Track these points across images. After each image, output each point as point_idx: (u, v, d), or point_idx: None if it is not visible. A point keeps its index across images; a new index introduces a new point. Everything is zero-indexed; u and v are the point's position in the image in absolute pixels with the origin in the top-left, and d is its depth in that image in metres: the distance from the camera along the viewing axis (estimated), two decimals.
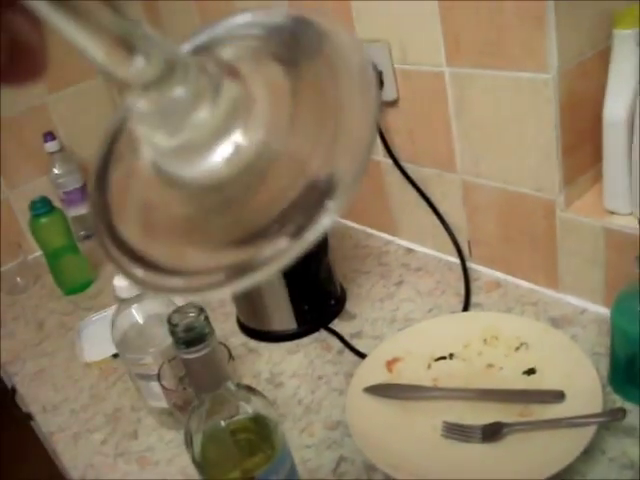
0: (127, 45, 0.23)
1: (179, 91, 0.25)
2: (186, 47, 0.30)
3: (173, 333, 0.53)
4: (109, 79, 0.24)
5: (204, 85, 0.25)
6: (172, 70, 0.24)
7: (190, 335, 0.52)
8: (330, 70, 0.26)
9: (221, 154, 0.25)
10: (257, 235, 0.24)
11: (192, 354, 0.52)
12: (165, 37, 0.25)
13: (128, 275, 0.27)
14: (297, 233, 0.24)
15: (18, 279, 1.36)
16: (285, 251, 0.24)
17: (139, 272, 0.26)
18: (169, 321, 0.53)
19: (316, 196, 0.24)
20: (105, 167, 0.30)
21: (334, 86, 0.26)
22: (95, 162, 0.31)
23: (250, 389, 0.60)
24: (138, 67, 0.23)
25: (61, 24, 0.21)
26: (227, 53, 0.29)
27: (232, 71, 0.27)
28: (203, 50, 0.30)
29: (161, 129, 0.26)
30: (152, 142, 0.26)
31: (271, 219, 0.24)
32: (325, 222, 0.23)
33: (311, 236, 0.23)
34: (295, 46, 0.28)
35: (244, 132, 0.25)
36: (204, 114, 0.25)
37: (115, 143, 0.31)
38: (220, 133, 0.25)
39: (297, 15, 0.29)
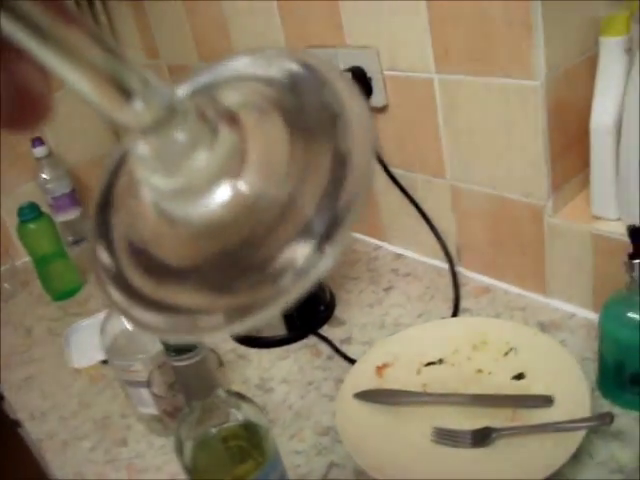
0: (125, 89, 0.23)
1: (178, 136, 0.25)
2: (187, 87, 0.30)
3: (163, 340, 0.53)
4: (109, 122, 0.24)
5: (202, 130, 0.26)
6: (171, 114, 0.25)
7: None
8: (329, 117, 0.27)
9: (218, 198, 0.26)
10: (256, 277, 0.25)
11: (182, 361, 0.52)
12: (167, 83, 0.25)
13: (133, 320, 0.27)
14: (296, 275, 0.24)
15: (6, 285, 1.35)
16: (284, 293, 0.24)
17: (143, 315, 0.27)
18: None
19: (313, 240, 0.24)
20: (106, 206, 0.31)
21: (332, 133, 0.26)
22: (95, 200, 0.32)
23: (240, 396, 0.60)
24: (137, 111, 0.24)
25: (57, 67, 0.22)
26: (228, 98, 0.29)
27: (230, 117, 0.27)
28: (204, 92, 0.30)
29: (159, 172, 0.26)
30: (151, 184, 0.27)
31: (269, 261, 0.25)
32: (323, 265, 0.24)
33: (309, 280, 0.24)
34: (296, 92, 0.28)
35: (240, 178, 0.26)
36: (201, 159, 0.25)
37: (114, 184, 0.31)
38: (217, 178, 0.26)
39: (299, 59, 0.29)
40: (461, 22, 0.82)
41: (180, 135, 0.25)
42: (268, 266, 0.25)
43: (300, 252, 0.24)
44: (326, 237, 0.24)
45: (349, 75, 0.98)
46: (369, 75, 0.98)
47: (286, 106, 0.28)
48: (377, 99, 1.00)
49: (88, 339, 1.10)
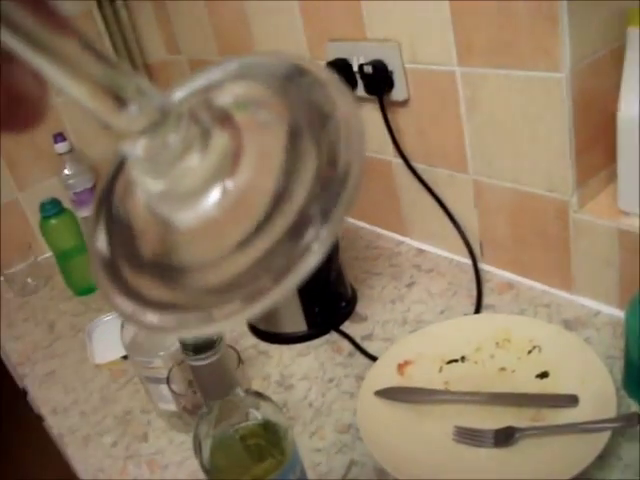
0: (119, 95, 0.24)
1: (170, 139, 0.26)
2: (183, 90, 0.31)
3: (181, 339, 0.52)
4: (104, 125, 0.25)
5: (194, 134, 0.27)
6: (164, 119, 0.26)
7: (199, 342, 0.52)
8: (320, 115, 0.28)
9: (210, 199, 0.27)
10: (258, 266, 0.26)
11: (200, 361, 0.52)
12: (160, 89, 0.26)
13: (142, 325, 0.28)
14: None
15: (29, 280, 1.36)
16: (289, 276, 0.25)
17: (152, 317, 0.27)
18: None
19: (309, 226, 0.25)
20: (107, 199, 0.32)
21: (323, 129, 0.27)
22: (95, 200, 0.32)
23: (259, 395, 0.59)
24: (131, 116, 0.25)
25: (52, 75, 0.22)
26: (222, 98, 0.30)
27: (224, 118, 0.28)
28: (199, 94, 0.31)
29: (150, 174, 0.27)
30: (143, 185, 0.28)
31: (269, 250, 0.26)
32: (319, 249, 0.25)
33: (309, 262, 0.25)
34: (289, 91, 0.29)
35: (233, 176, 0.27)
36: (192, 163, 0.26)
37: (117, 178, 0.32)
38: (208, 180, 0.27)
39: (292, 62, 0.30)
40: (484, 13, 0.80)
41: (172, 138, 0.26)
42: (269, 254, 0.25)
43: (298, 238, 0.25)
44: (320, 223, 0.25)
45: (366, 73, 0.97)
46: (390, 69, 0.97)
47: (279, 104, 0.29)
48: (398, 93, 0.99)
49: (110, 334, 1.10)
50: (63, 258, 1.28)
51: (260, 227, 0.26)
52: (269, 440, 0.59)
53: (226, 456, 0.58)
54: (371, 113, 1.05)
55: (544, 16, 0.74)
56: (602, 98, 0.80)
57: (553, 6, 0.72)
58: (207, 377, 0.53)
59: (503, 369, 0.82)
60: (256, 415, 0.58)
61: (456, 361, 0.85)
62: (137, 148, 0.26)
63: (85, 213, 1.46)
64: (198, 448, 0.57)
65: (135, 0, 1.52)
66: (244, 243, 0.26)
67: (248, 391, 0.58)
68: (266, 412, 0.58)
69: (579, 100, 0.78)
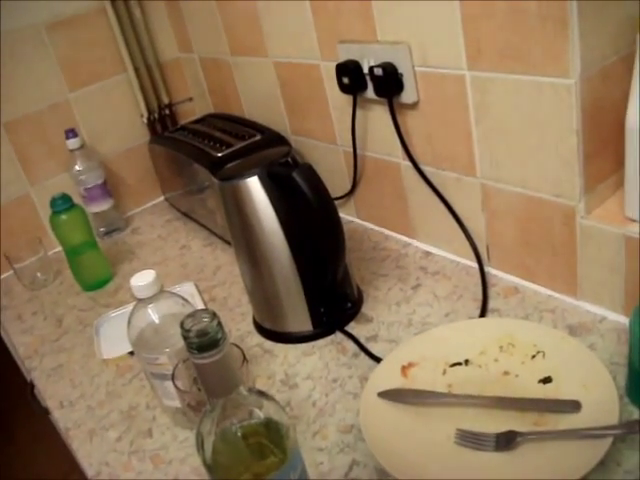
0: None
1: None
2: None
3: (186, 338, 0.53)
4: None
5: None
6: None
7: (203, 340, 0.52)
8: None
9: None
10: None
11: (204, 359, 0.52)
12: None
13: None
14: None
15: (38, 274, 1.37)
16: None
17: None
18: (182, 326, 0.53)
19: None
20: None
21: None
22: None
23: (262, 394, 0.60)
24: None
25: None
26: None
27: None
28: None
29: None
30: None
31: None
32: None
33: None
34: None
35: None
36: None
37: None
38: None
39: None
40: (494, 18, 0.80)
41: None
42: None
43: None
44: None
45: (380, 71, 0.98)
46: (400, 71, 0.97)
47: None
48: (408, 95, 0.99)
49: (117, 330, 1.11)
50: (72, 253, 1.29)
51: None
52: (271, 439, 0.59)
53: (228, 454, 0.58)
54: (380, 115, 1.05)
55: (555, 22, 0.74)
56: (611, 105, 0.80)
57: (564, 12, 0.72)
58: (211, 375, 0.54)
59: (506, 373, 0.82)
60: (259, 414, 0.58)
61: (460, 364, 0.85)
62: None
63: (95, 209, 1.48)
64: (201, 445, 0.58)
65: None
66: None
67: (251, 390, 0.59)
68: (269, 411, 0.59)
69: (588, 106, 0.78)
